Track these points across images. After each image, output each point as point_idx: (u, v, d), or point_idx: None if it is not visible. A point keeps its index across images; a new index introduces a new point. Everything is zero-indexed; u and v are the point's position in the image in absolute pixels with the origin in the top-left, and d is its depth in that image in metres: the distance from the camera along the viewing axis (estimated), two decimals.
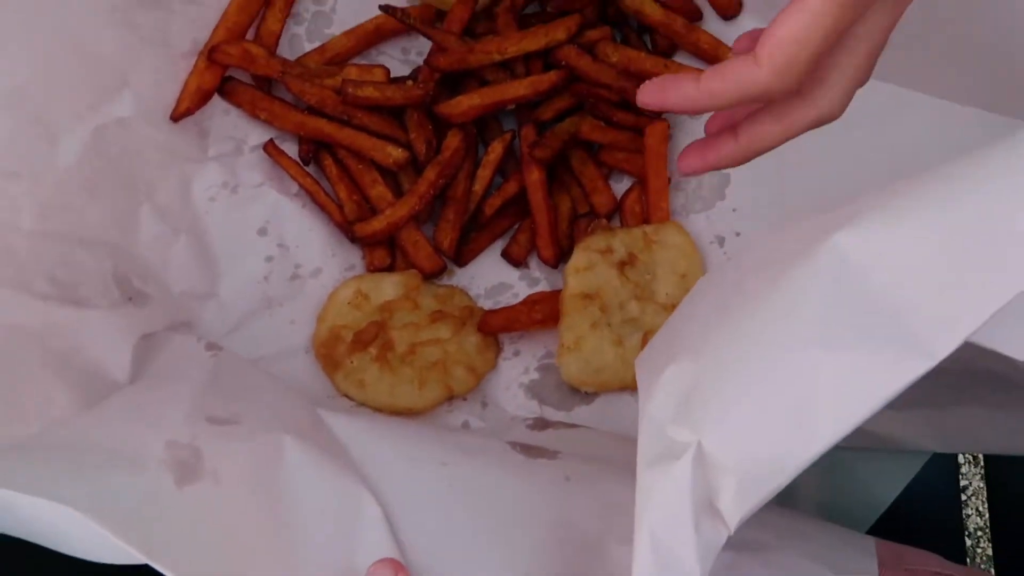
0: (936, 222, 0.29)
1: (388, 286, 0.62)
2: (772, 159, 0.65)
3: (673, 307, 0.58)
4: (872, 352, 0.28)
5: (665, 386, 0.33)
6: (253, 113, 0.62)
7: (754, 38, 0.34)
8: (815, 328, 0.29)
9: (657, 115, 0.66)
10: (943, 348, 0.26)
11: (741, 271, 0.36)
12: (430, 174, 0.62)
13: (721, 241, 0.67)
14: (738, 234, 0.67)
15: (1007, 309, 0.26)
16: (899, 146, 0.60)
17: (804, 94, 0.35)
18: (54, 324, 0.41)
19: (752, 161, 0.66)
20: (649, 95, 0.37)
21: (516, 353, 0.65)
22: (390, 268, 0.64)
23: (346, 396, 0.61)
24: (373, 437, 0.47)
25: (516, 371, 0.65)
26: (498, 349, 0.65)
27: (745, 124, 0.38)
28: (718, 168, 0.41)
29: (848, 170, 0.63)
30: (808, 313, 0.29)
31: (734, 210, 0.67)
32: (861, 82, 0.36)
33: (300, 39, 0.65)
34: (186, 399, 0.41)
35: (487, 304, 0.66)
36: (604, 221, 0.66)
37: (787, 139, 0.38)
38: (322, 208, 0.63)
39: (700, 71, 0.37)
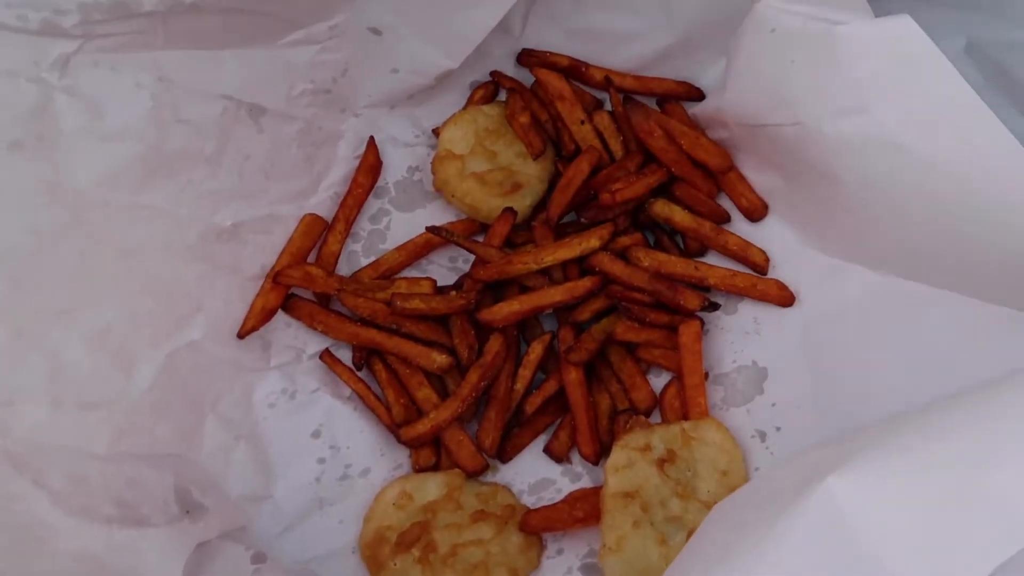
0: (925, 477, 0.31)
1: (432, 486, 0.64)
2: (807, 354, 0.67)
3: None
4: None
5: None
6: (311, 325, 0.68)
7: None
8: None
9: (690, 314, 0.68)
10: None
11: (744, 507, 0.38)
12: (472, 377, 0.65)
13: (763, 436, 0.67)
14: (779, 429, 0.67)
15: None
16: (930, 344, 0.61)
17: None
18: (116, 546, 0.45)
19: (787, 355, 0.67)
20: None
21: (559, 551, 0.65)
22: (435, 467, 0.66)
23: None
24: None
25: (559, 570, 0.65)
26: (541, 547, 0.65)
27: None
28: None
29: (882, 364, 0.63)
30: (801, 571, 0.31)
31: (773, 404, 0.67)
32: None
33: (357, 255, 0.72)
34: None
35: (530, 500, 0.67)
36: (642, 418, 0.67)
37: None
38: (372, 410, 0.67)
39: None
